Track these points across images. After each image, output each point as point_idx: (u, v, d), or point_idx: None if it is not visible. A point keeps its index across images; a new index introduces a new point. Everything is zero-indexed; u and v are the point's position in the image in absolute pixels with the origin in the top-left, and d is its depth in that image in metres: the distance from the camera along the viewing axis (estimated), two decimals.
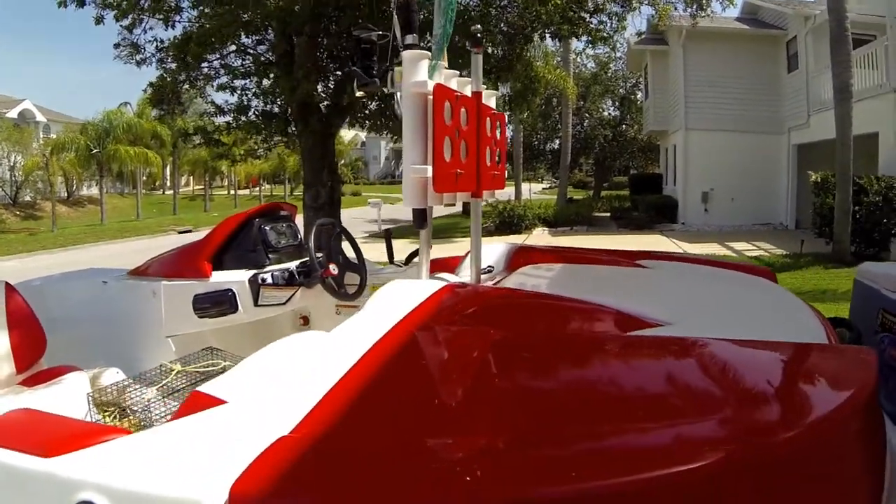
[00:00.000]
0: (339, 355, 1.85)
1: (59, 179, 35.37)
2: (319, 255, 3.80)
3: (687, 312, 2.47)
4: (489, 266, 3.42)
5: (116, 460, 1.60)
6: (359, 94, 3.10)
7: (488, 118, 3.15)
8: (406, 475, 1.32)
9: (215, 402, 1.80)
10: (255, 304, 3.81)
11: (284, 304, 3.94)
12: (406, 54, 2.68)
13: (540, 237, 19.31)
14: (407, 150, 2.64)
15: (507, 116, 14.15)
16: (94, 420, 3.46)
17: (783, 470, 1.24)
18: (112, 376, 3.67)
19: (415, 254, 4.42)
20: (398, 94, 2.81)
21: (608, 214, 24.18)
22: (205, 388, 1.89)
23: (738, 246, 15.55)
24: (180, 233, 26.66)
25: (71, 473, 1.57)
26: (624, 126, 34.81)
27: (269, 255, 3.94)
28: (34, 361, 3.75)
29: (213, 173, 46.73)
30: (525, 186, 30.75)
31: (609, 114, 35.81)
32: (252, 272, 3.82)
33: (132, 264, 4.63)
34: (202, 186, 48.08)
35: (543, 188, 33.10)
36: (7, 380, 3.67)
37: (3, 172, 35.93)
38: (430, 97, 2.61)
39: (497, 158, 3.44)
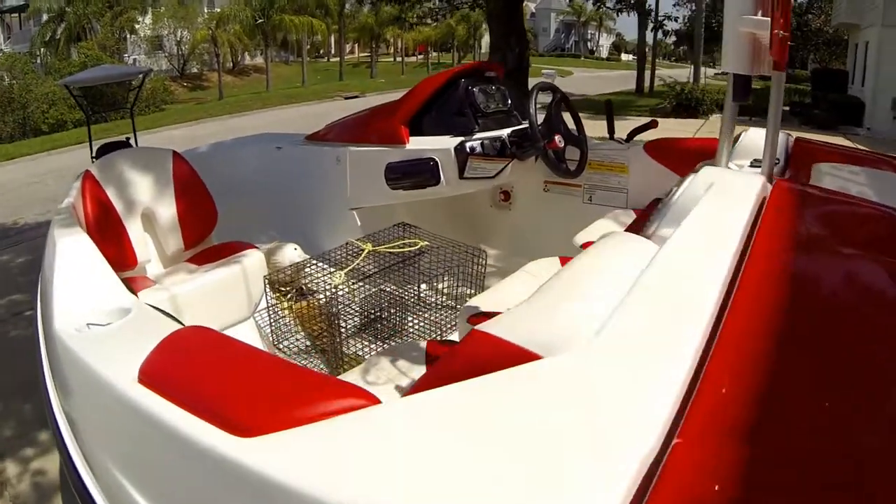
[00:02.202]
0: (696, 284, 1.23)
1: (225, 50, 36.83)
2: (540, 123, 3.34)
3: None
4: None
5: (364, 460, 0.98)
6: None
7: None
8: None
9: (522, 354, 1.14)
10: (461, 176, 3.38)
11: (493, 177, 3.49)
12: None
13: (717, 124, 17.81)
14: None
15: None
16: (269, 304, 3.20)
17: None
18: (290, 253, 3.37)
19: (638, 130, 3.98)
20: None
21: (787, 108, 22.50)
22: (491, 328, 1.24)
23: None
24: (347, 98, 26.77)
25: (279, 471, 1.01)
26: (810, 15, 31.96)
27: (478, 121, 3.47)
28: (204, 236, 3.52)
29: (379, 41, 46.89)
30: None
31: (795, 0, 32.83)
32: (459, 139, 3.39)
33: (302, 130, 4.31)
34: (367, 54, 48.68)
35: (715, 73, 31.38)
36: (174, 256, 3.45)
37: (171, 47, 38.33)
38: None
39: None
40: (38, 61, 32.92)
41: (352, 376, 2.19)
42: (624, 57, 74.37)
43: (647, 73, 29.67)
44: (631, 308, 1.14)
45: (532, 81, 4.47)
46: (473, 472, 0.87)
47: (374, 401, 1.18)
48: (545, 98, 3.51)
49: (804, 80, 29.90)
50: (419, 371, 2.17)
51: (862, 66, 20.86)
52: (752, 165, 2.40)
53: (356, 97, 27.00)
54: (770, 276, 1.32)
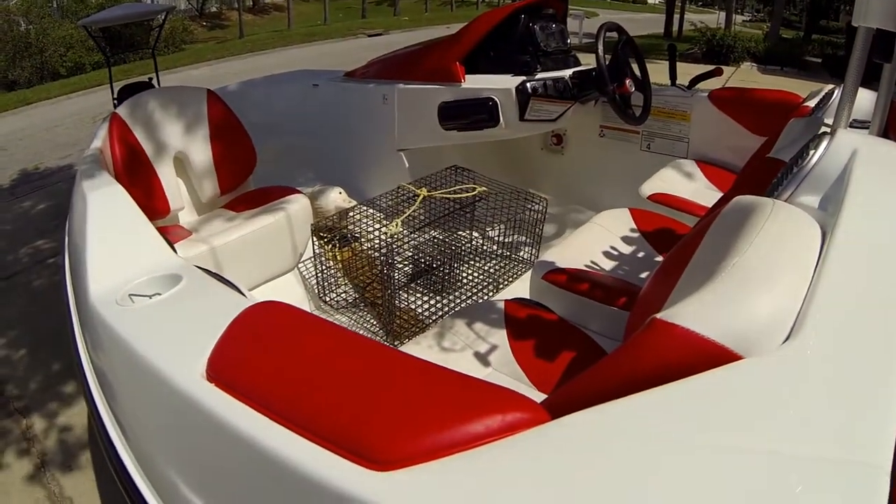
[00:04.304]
0: (884, 274, 1.03)
1: None
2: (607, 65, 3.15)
3: None
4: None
5: (548, 491, 0.74)
6: None
7: None
8: None
9: (721, 353, 0.92)
10: (521, 118, 3.21)
11: (554, 120, 3.30)
12: None
13: (748, 73, 17.81)
14: None
15: None
16: (315, 253, 2.99)
17: None
18: (335, 198, 3.17)
19: (701, 77, 3.78)
20: None
21: (819, 60, 22.03)
22: (677, 318, 0.97)
23: None
24: (370, 36, 26.36)
25: None
26: None
27: (539, 61, 3.28)
28: (242, 180, 3.32)
29: None
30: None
31: None
32: (520, 79, 3.20)
33: (327, 67, 4.08)
34: None
35: (744, 20, 30.82)
36: (209, 202, 3.24)
37: None
38: None
39: None
40: (55, 4, 32.69)
41: (425, 341, 1.98)
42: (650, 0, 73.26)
43: (676, 18, 29.00)
44: (823, 300, 0.93)
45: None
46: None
47: (542, 414, 0.92)
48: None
49: (837, 32, 29.26)
50: (500, 335, 1.95)
51: None
52: (852, 125, 2.17)
53: (380, 34, 26.59)
54: None
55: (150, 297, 1.47)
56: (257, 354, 1.19)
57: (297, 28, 32.82)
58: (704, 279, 1.03)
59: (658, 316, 0.98)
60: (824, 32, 32.28)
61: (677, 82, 3.75)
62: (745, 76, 16.08)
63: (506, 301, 2.10)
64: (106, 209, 1.99)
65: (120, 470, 1.39)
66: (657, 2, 56.17)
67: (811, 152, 1.53)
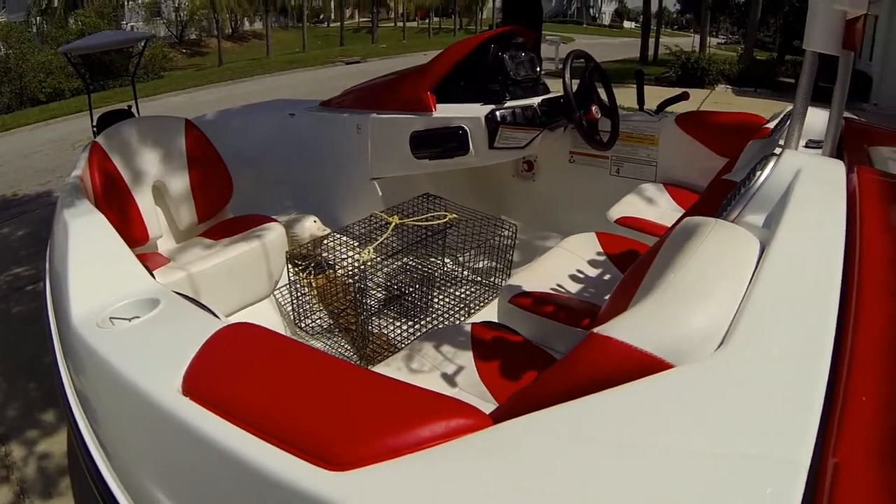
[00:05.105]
0: (815, 282, 1.11)
1: (224, 16, 36.70)
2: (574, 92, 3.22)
3: None
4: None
5: (494, 488, 0.83)
6: None
7: None
8: None
9: (652, 362, 1.00)
10: (491, 145, 3.26)
11: (523, 147, 3.38)
12: None
13: (723, 95, 17.99)
14: None
15: None
16: (290, 281, 3.06)
17: None
18: (309, 226, 3.23)
19: (669, 101, 3.86)
20: None
21: (793, 81, 22.36)
22: (612, 331, 1.06)
23: None
24: (348, 63, 26.68)
25: None
26: None
27: (508, 89, 3.33)
28: (219, 209, 3.38)
29: (379, 5, 46.58)
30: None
31: None
32: (489, 108, 3.26)
33: (305, 96, 4.16)
34: (368, 19, 48.34)
35: (718, 43, 31.40)
36: (187, 230, 3.30)
37: (169, 13, 38.08)
38: None
39: None
40: (35, 30, 32.62)
41: (394, 363, 2.05)
42: (626, 24, 74.14)
43: (651, 42, 29.39)
44: (754, 310, 1.01)
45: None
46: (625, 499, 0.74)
47: (485, 420, 1.02)
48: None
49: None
50: (467, 357, 2.03)
51: (870, 41, 20.45)
52: (807, 146, 2.28)
53: (358, 62, 26.91)
54: (888, 271, 1.17)
55: (129, 319, 1.54)
56: (229, 370, 1.29)
57: (276, 55, 32.93)
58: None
59: (595, 330, 1.07)
60: (798, 53, 32.63)
61: (645, 107, 3.84)
62: (719, 98, 16.24)
63: (473, 324, 2.17)
64: (87, 236, 2.06)
65: (100, 484, 1.46)
66: (633, 26, 56.90)
67: (758, 173, 1.63)
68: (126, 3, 36.45)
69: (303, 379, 1.25)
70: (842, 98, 2.05)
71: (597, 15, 78.18)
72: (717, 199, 1.88)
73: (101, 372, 1.44)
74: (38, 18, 34.18)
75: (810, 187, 1.51)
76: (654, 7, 31.69)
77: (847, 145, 2.54)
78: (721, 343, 0.96)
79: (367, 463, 0.93)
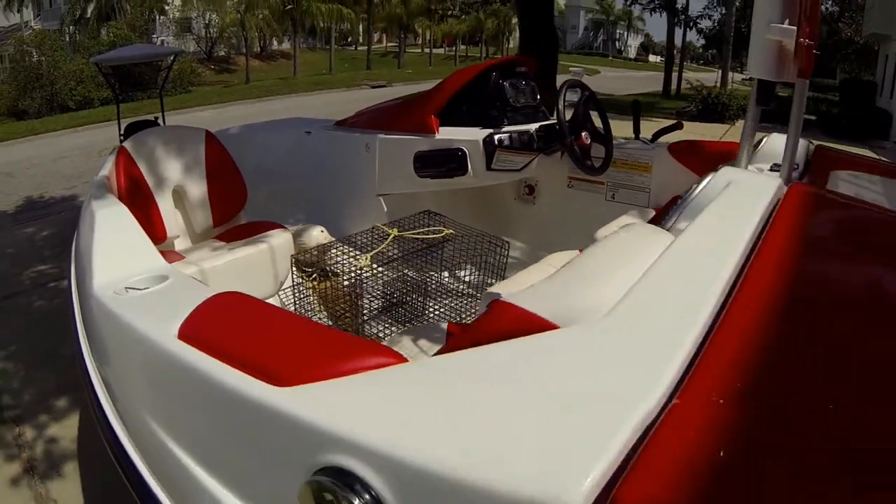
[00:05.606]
0: (705, 273, 1.31)
1: (253, 35, 37.24)
2: (568, 119, 3.38)
3: None
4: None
5: (393, 409, 1.07)
6: None
7: None
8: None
9: (542, 324, 1.27)
10: (488, 167, 3.44)
11: (519, 170, 3.54)
12: None
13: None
14: (763, 2, 2.01)
15: None
16: (294, 283, 3.26)
17: None
18: (316, 235, 3.43)
19: (663, 131, 4.02)
20: None
21: (813, 117, 22.08)
22: (513, 299, 1.37)
23: None
24: (373, 87, 26.95)
25: (315, 416, 1.10)
26: (841, 24, 31.67)
27: (507, 115, 3.52)
28: (233, 215, 3.61)
29: (407, 31, 47.11)
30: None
31: (826, 8, 32.94)
32: (487, 132, 3.44)
33: (328, 116, 4.36)
34: (395, 44, 48.87)
35: (743, 79, 31.25)
36: (203, 233, 3.53)
37: (199, 29, 39.00)
38: None
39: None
40: (68, 39, 33.26)
41: None
42: (651, 58, 74.32)
43: (675, 76, 29.58)
44: (643, 289, 1.24)
45: (560, 79, 4.52)
46: (493, 419, 0.96)
47: (403, 360, 1.28)
48: (573, 96, 3.54)
49: (832, 90, 29.48)
50: (437, 349, 2.22)
51: (892, 79, 20.58)
52: (771, 169, 2.45)
53: (383, 86, 27.13)
54: (775, 269, 1.39)
55: (141, 290, 1.82)
56: (216, 321, 1.57)
57: (303, 76, 33.25)
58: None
59: (500, 298, 1.36)
60: (819, 90, 32.34)
61: (641, 136, 3.97)
62: (739, 133, 16.36)
63: (449, 323, 2.37)
64: (111, 222, 2.34)
65: (106, 428, 1.79)
66: (658, 60, 57.00)
67: (696, 186, 1.84)
68: (157, 17, 37.15)
69: (267, 326, 1.56)
70: (797, 124, 2.24)
71: (623, 48, 78.56)
72: (667, 210, 2.11)
73: (114, 325, 1.72)
74: (71, 28, 34.90)
75: (734, 197, 1.74)
76: (678, 41, 32.01)
77: (813, 169, 2.73)
78: (605, 313, 1.18)
79: (306, 382, 1.19)
